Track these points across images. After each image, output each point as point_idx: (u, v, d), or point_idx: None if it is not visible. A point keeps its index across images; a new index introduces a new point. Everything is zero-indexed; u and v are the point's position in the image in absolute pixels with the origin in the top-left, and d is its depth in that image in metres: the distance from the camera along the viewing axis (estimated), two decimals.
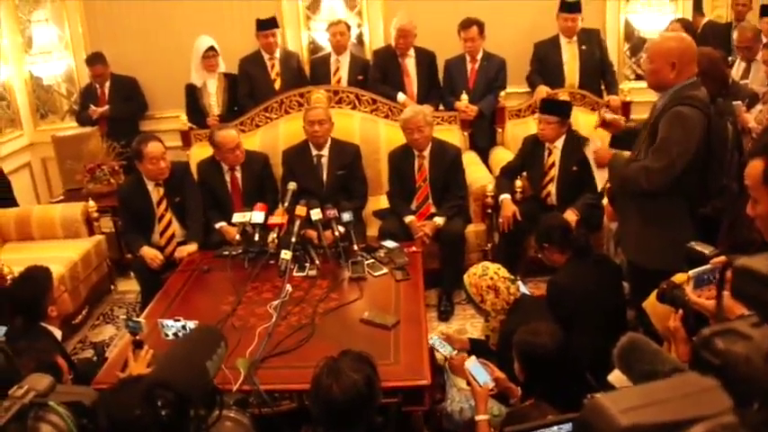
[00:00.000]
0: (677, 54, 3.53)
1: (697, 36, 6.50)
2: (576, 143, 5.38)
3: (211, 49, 6.59)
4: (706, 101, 3.55)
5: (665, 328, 2.67)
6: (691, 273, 2.39)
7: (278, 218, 4.72)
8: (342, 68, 6.80)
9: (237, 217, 4.83)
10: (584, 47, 6.68)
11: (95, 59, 6.96)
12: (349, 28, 6.80)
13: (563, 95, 6.38)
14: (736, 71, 6.28)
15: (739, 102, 4.49)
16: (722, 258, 2.38)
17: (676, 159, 3.51)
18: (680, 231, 3.42)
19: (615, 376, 2.58)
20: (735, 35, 6.65)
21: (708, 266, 2.39)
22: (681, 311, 2.47)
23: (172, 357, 1.90)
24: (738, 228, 3.31)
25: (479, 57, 6.60)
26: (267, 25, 6.61)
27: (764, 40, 6.39)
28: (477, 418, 3.18)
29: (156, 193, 5.20)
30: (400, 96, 6.52)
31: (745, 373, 0.77)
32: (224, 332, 3.58)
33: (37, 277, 3.82)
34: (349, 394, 2.42)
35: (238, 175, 5.50)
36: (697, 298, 2.34)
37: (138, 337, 3.30)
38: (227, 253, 4.73)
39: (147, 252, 5.05)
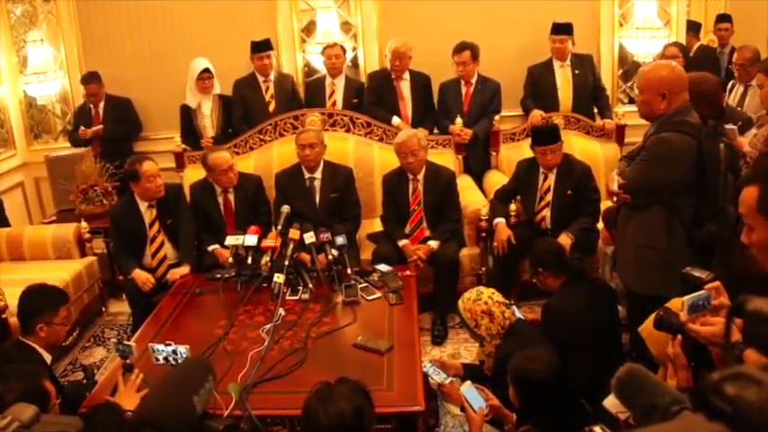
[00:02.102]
0: (668, 85, 3.56)
1: (690, 59, 6.54)
2: (570, 167, 5.40)
3: (206, 70, 6.59)
4: (697, 125, 3.56)
5: (662, 354, 2.65)
6: (685, 299, 2.36)
7: (271, 241, 4.70)
8: (337, 91, 6.80)
9: (230, 240, 4.81)
10: (577, 71, 6.71)
11: (90, 78, 6.95)
12: (344, 51, 6.82)
13: (557, 119, 6.41)
14: (734, 97, 6.31)
15: (733, 126, 4.49)
16: (716, 284, 2.37)
17: (642, 180, 3.62)
18: (675, 256, 3.42)
19: (610, 402, 2.57)
20: (734, 57, 6.69)
21: (702, 292, 2.37)
22: (679, 337, 2.45)
23: (158, 393, 1.88)
24: (732, 252, 3.31)
25: (474, 80, 6.61)
26: (262, 47, 6.61)
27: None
28: None
29: (148, 214, 5.18)
30: (395, 120, 6.53)
31: (757, 422, 0.73)
32: (216, 356, 3.63)
33: (46, 291, 3.81)
34: (334, 422, 2.38)
35: (231, 197, 5.47)
36: (693, 325, 2.31)
37: (128, 361, 3.27)
38: (219, 276, 4.71)
39: (139, 275, 5.02)
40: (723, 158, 3.70)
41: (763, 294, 1.75)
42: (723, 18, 7.58)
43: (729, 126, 4.41)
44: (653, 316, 2.60)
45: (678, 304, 2.43)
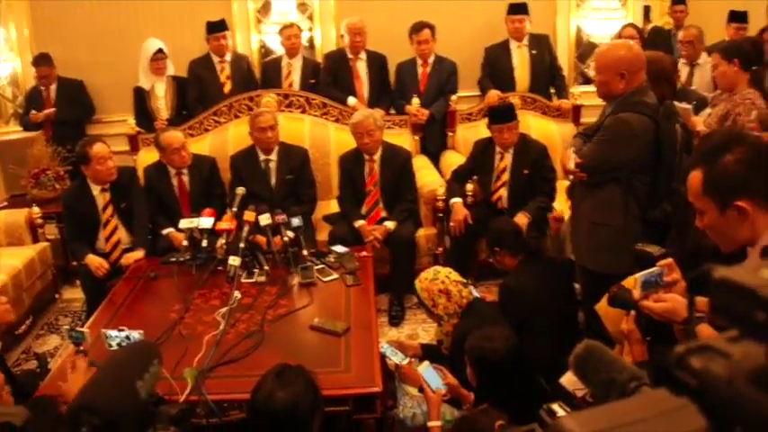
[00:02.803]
0: (626, 64, 3.56)
1: (645, 41, 6.61)
2: (527, 147, 5.42)
3: (160, 51, 6.51)
4: (654, 106, 3.59)
5: (618, 331, 2.68)
6: (638, 275, 2.38)
7: (226, 223, 4.64)
8: (294, 72, 6.77)
9: (185, 222, 4.73)
10: (534, 51, 6.75)
11: (41, 60, 6.83)
12: (301, 31, 6.77)
13: (513, 99, 6.43)
14: (682, 76, 6.38)
15: (688, 105, 4.55)
16: (669, 260, 2.38)
17: (600, 159, 3.65)
18: (629, 235, 3.45)
19: (567, 379, 2.58)
20: (679, 35, 6.79)
21: (655, 269, 2.38)
22: (633, 313, 2.47)
23: (99, 379, 1.85)
24: (686, 232, 3.34)
25: (431, 60, 6.61)
26: (217, 28, 6.55)
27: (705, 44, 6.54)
28: (430, 424, 3.17)
29: (101, 198, 5.09)
30: (351, 100, 6.50)
31: (726, 396, 0.71)
32: (171, 341, 3.60)
33: None
34: (290, 405, 2.39)
35: (186, 179, 5.40)
36: (646, 301, 2.33)
37: (81, 348, 3.22)
38: (174, 259, 4.66)
39: (92, 261, 4.93)
40: (679, 139, 3.74)
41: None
42: (678, 0, 7.66)
43: (684, 105, 4.46)
44: (607, 295, 2.63)
45: (631, 281, 2.45)
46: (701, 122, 4.56)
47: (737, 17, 6.71)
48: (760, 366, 0.74)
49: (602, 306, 2.87)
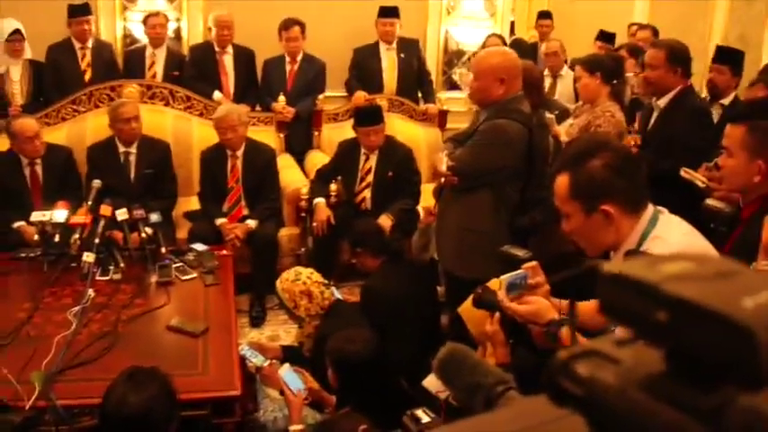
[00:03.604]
0: (505, 70, 3.65)
1: None
2: (392, 149, 5.49)
3: (17, 32, 6.17)
4: (529, 114, 3.71)
5: (481, 333, 2.71)
6: (503, 278, 2.42)
7: (81, 217, 4.45)
8: (157, 63, 6.58)
9: (37, 216, 4.50)
10: (402, 55, 6.85)
11: None
12: (167, 20, 6.61)
13: (381, 101, 6.50)
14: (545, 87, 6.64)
15: (551, 115, 4.73)
16: (533, 263, 2.45)
17: (473, 163, 3.71)
18: (497, 241, 3.52)
19: (430, 381, 2.62)
20: (543, 47, 7.10)
21: (520, 271, 2.43)
22: (497, 315, 2.52)
23: None
24: (549, 238, 3.47)
25: (299, 58, 6.59)
26: (80, 12, 6.26)
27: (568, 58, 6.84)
28: (291, 428, 3.16)
29: None
30: (216, 94, 6.41)
31: (616, 407, 0.66)
32: (18, 342, 3.46)
33: None
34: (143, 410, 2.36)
35: (39, 170, 5.16)
36: (510, 304, 2.38)
37: None
38: (24, 255, 4.43)
39: None
40: (551, 149, 3.87)
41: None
42: (544, 15, 8.01)
43: (548, 115, 4.63)
44: (472, 296, 2.68)
45: (496, 283, 2.50)
46: (563, 132, 4.75)
47: (606, 37, 7.04)
48: (655, 373, 0.66)
49: (465, 308, 2.91)
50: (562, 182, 2.24)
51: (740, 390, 0.60)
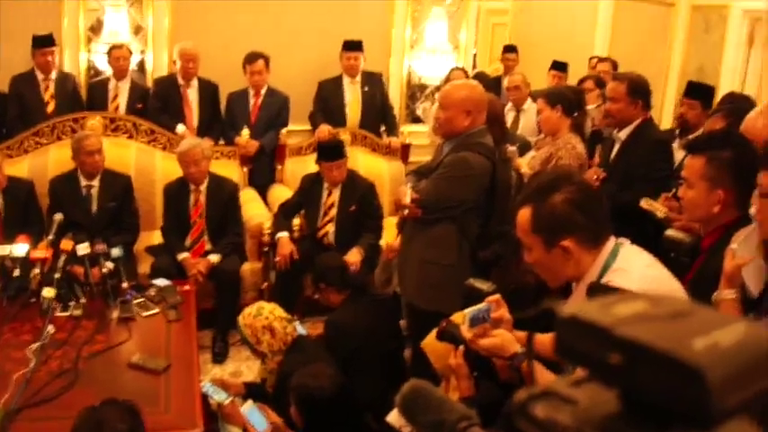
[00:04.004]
0: (472, 103, 3.71)
1: None
2: (354, 184, 5.51)
3: None
4: (492, 148, 3.75)
5: (445, 367, 2.71)
6: (466, 311, 2.42)
7: (41, 252, 4.39)
8: (121, 95, 6.54)
9: None
10: (366, 88, 6.90)
11: None
12: (131, 53, 6.57)
13: (344, 135, 6.53)
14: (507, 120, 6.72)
15: (513, 148, 4.78)
16: (497, 296, 2.43)
17: (437, 196, 3.75)
18: (460, 274, 3.52)
19: (394, 416, 2.61)
20: (505, 81, 7.22)
21: (483, 305, 2.41)
22: (461, 348, 2.52)
23: None
24: (509, 270, 3.48)
25: (263, 92, 6.60)
26: (44, 42, 6.19)
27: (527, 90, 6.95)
28: None
29: None
30: (180, 128, 6.38)
31: None
32: None
33: None
34: None
35: None
36: (473, 337, 2.37)
37: None
38: None
39: None
40: (514, 183, 3.91)
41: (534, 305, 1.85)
42: (509, 49, 8.14)
43: (510, 147, 4.68)
44: (435, 330, 2.67)
45: (460, 317, 2.50)
46: (524, 164, 4.80)
47: (558, 66, 7.20)
48: (610, 414, 0.66)
49: (428, 343, 2.91)
50: (524, 215, 2.26)
51: (692, 430, 0.61)
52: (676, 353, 0.59)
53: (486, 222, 3.81)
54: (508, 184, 3.91)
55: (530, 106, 6.78)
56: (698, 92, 5.04)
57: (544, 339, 2.23)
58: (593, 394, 0.69)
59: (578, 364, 0.70)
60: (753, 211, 2.58)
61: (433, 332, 2.70)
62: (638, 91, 4.45)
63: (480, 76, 7.57)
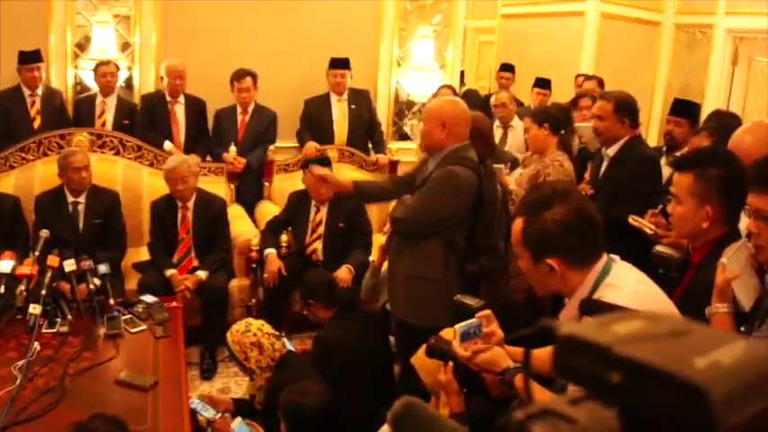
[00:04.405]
0: (448, 116, 3.73)
1: None
2: (342, 201, 5.50)
3: None
4: (477, 163, 3.77)
5: (434, 383, 2.72)
6: (457, 327, 2.42)
7: (27, 268, 4.36)
8: (108, 111, 6.52)
9: None
10: (353, 106, 6.91)
11: None
12: (118, 69, 6.56)
13: (331, 152, 6.54)
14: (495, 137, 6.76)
15: (501, 165, 4.80)
16: (487, 312, 2.45)
17: (428, 211, 3.74)
18: (449, 289, 3.49)
19: None
20: (492, 99, 7.25)
21: (474, 320, 2.43)
22: (451, 364, 2.52)
23: None
24: (498, 285, 3.49)
25: (251, 109, 6.60)
26: (30, 58, 6.17)
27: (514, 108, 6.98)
28: None
29: None
30: (167, 144, 6.38)
31: None
32: None
33: None
34: None
35: None
36: (464, 353, 2.37)
37: None
38: None
39: None
40: (500, 197, 3.93)
41: (523, 321, 1.85)
42: (506, 68, 8.20)
43: (497, 165, 4.69)
44: (425, 346, 2.67)
45: (450, 332, 2.50)
46: (512, 182, 4.82)
47: (542, 84, 7.27)
48: None
49: (418, 359, 2.92)
50: (517, 225, 2.28)
51: None
52: (678, 372, 0.60)
53: (472, 235, 3.82)
54: (494, 198, 3.93)
55: (517, 123, 6.82)
56: (685, 109, 5.10)
57: (541, 355, 2.24)
58: (592, 413, 0.68)
59: (577, 383, 0.70)
60: (743, 226, 2.61)
61: (423, 348, 2.70)
62: (625, 109, 4.49)
63: (469, 94, 7.61)
